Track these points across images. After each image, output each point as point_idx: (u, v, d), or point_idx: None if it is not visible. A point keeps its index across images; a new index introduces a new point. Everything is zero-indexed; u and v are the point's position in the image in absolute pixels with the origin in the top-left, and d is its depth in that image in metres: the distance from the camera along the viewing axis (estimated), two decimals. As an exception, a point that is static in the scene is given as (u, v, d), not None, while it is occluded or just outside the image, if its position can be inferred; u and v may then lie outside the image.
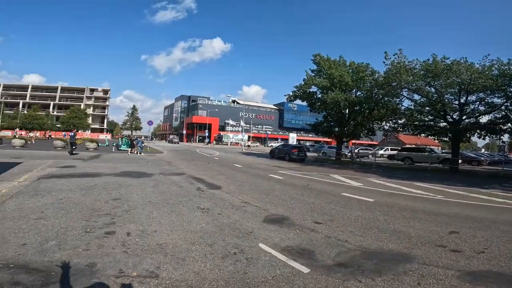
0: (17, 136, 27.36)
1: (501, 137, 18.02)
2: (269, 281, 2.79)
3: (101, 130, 74.00)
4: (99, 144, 23.55)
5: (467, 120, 17.94)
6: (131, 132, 61.55)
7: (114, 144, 26.97)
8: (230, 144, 58.34)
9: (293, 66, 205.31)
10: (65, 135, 35.95)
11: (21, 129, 50.34)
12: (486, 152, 46.88)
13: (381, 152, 33.47)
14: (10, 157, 12.45)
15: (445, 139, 19.26)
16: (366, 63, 22.18)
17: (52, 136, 38.31)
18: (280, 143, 38.18)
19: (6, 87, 70.48)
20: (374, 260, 3.48)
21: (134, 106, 75.07)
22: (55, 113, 69.12)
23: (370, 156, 30.54)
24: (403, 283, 2.89)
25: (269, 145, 56.22)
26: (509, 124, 16.74)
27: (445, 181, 12.78)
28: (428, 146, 28.70)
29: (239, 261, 3.17)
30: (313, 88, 23.58)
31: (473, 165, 25.71)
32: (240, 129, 57.77)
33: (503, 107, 16.46)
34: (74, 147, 16.60)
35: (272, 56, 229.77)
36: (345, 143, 36.68)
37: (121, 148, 22.97)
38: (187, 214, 4.95)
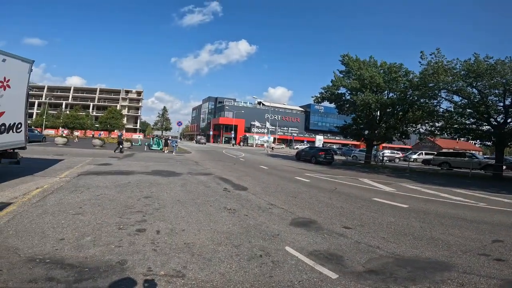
0: (63, 135, 29.78)
1: None
2: (295, 286, 2.71)
3: (134, 130, 78.11)
4: (133, 144, 24.83)
5: None
6: (162, 132, 64.16)
7: (146, 144, 28.32)
8: (256, 146, 58.55)
9: (319, 67, 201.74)
10: (100, 134, 38.50)
11: (63, 128, 54.69)
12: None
13: (414, 156, 31.63)
14: (53, 154, 13.54)
15: (488, 143, 17.67)
16: (399, 63, 21.07)
17: (94, 135, 41.15)
18: (306, 145, 37.56)
19: (50, 89, 77.09)
20: (408, 267, 3.28)
21: (164, 107, 78.44)
22: (94, 113, 74.27)
23: (397, 160, 28.96)
24: None
25: (295, 147, 55.53)
26: None
27: (488, 188, 11.85)
28: (468, 151, 26.51)
29: (265, 264, 3.11)
30: (342, 90, 22.90)
31: (514, 171, 23.41)
32: (265, 130, 57.83)
33: None
34: (121, 146, 18.52)
35: (297, 57, 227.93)
36: (375, 147, 35.16)
37: (152, 148, 24.02)
38: (214, 214, 5.00)
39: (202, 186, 7.90)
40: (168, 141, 23.29)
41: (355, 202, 7.11)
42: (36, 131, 25.97)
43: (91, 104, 77.47)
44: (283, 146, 61.90)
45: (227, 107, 71.16)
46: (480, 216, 6.25)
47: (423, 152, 33.80)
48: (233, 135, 59.30)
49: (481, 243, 4.34)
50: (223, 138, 67.73)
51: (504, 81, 14.78)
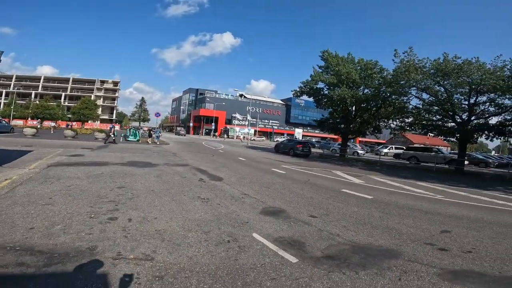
0: (39, 126, 28.07)
1: (510, 139, 17.64)
2: (257, 268, 2.97)
3: (110, 121, 75.10)
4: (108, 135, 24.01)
5: (475, 121, 17.68)
6: (139, 123, 62.35)
7: (122, 135, 27.49)
8: (237, 138, 58.62)
9: (302, 62, 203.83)
10: (68, 125, 36.87)
11: (32, 118, 51.59)
12: (496, 154, 45.96)
13: (385, 150, 33.20)
14: (21, 145, 12.92)
15: (453, 139, 18.98)
16: (375, 61, 21.95)
17: (68, 126, 39.21)
18: (286, 138, 38.14)
19: (19, 78, 72.05)
20: (361, 254, 3.58)
21: (142, 98, 76.30)
22: (66, 103, 70.44)
23: (361, 153, 30.26)
24: (384, 277, 2.98)
25: (275, 139, 56.22)
26: None
27: (449, 181, 12.71)
28: (435, 146, 28.27)
29: (231, 249, 3.35)
30: (320, 85, 23.51)
31: (480, 167, 25.36)
32: (246, 123, 57.93)
33: None
34: (113, 136, 19.68)
35: (281, 51, 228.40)
36: (352, 141, 36.36)
37: (129, 139, 23.42)
38: (187, 203, 5.16)
39: (177, 176, 7.98)
40: (152, 132, 24.53)
41: (324, 193, 7.53)
42: (3, 122, 24.58)
43: (63, 94, 73.29)
44: (264, 138, 62.45)
45: (208, 99, 70.26)
46: (435, 208, 6.70)
47: (393, 146, 35.57)
48: (213, 127, 58.88)
49: (430, 233, 4.69)
50: (204, 129, 67.04)
51: (469, 80, 15.83)
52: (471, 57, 16.35)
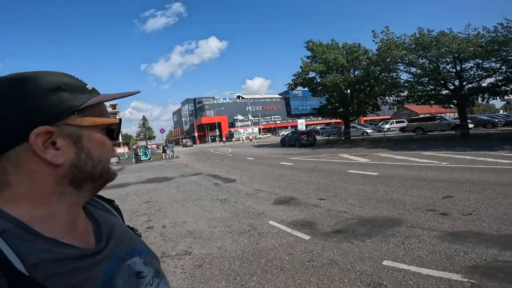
0: None
1: (505, 98, 17.97)
2: (276, 248, 3.54)
3: (118, 145, 76.85)
4: (120, 158, 25.00)
5: (468, 86, 18.03)
6: (146, 142, 63.66)
7: (133, 156, 28.51)
8: (246, 139, 59.31)
9: (293, 52, 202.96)
10: None
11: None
12: (503, 113, 45.28)
13: (387, 126, 32.86)
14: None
15: (452, 106, 19.24)
16: (357, 43, 22.46)
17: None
18: (290, 131, 38.55)
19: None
20: (367, 226, 4.01)
21: (144, 117, 77.63)
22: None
23: (370, 132, 30.06)
24: (389, 243, 3.38)
25: (280, 134, 56.67)
26: None
27: (455, 147, 12.68)
28: (439, 114, 28.23)
29: (252, 236, 3.94)
30: (312, 74, 23.96)
31: (487, 128, 25.22)
32: (249, 123, 58.55)
33: (503, 70, 16.48)
34: (139, 156, 23.74)
35: (270, 45, 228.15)
36: (356, 121, 36.46)
37: (141, 159, 24.32)
38: (208, 206, 5.79)
39: (194, 185, 8.64)
40: (165, 147, 27.23)
41: (331, 176, 8.04)
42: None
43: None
44: (269, 135, 63.00)
45: (207, 106, 71.21)
46: (439, 175, 6.76)
47: (394, 121, 35.49)
48: (218, 133, 59.74)
49: (433, 200, 4.86)
50: (209, 137, 68.03)
51: (449, 50, 16.26)
52: (445, 29, 16.86)
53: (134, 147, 23.71)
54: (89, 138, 0.47)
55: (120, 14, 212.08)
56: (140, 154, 25.41)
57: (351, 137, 25.67)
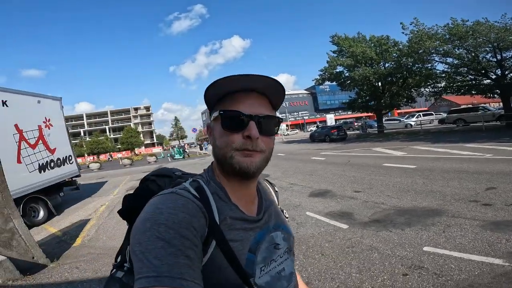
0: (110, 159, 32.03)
1: None
2: (315, 236, 3.73)
3: (152, 145, 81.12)
4: (157, 157, 26.54)
5: (511, 75, 16.67)
6: (179, 141, 66.47)
7: (169, 155, 30.08)
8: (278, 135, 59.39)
9: (317, 46, 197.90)
10: (108, 158, 40.98)
11: (88, 154, 58.01)
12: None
13: (411, 121, 29.91)
14: (96, 178, 15.22)
15: (495, 96, 17.86)
16: (386, 35, 21.60)
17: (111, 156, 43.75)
18: (320, 126, 37.93)
19: (65, 119, 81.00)
20: (406, 216, 4.05)
21: (175, 117, 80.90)
22: (111, 135, 77.82)
23: (413, 124, 28.06)
24: (429, 231, 3.42)
25: (308, 130, 55.91)
26: None
27: (500, 138, 11.87)
28: (481, 104, 26.02)
29: (291, 226, 4.13)
30: (339, 68, 23.45)
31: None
32: (277, 120, 58.38)
33: None
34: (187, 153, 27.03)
35: (293, 41, 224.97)
36: (389, 114, 34.83)
37: (176, 157, 25.60)
38: (246, 200, 6.09)
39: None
40: (202, 145, 31.97)
41: (366, 170, 7.96)
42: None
43: (107, 127, 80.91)
44: (297, 131, 62.37)
45: (235, 104, 72.24)
46: (482, 167, 6.48)
47: (421, 114, 33.24)
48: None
49: (475, 191, 4.75)
50: (236, 135, 69.03)
51: (487, 39, 15.20)
52: (480, 18, 15.83)
53: (182, 145, 28.05)
54: (215, 129, 0.61)
55: (145, 19, 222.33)
56: (174, 153, 26.78)
57: (385, 131, 24.70)
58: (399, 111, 44.97)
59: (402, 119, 29.98)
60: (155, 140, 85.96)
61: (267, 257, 0.61)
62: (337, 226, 3.98)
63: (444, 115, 28.23)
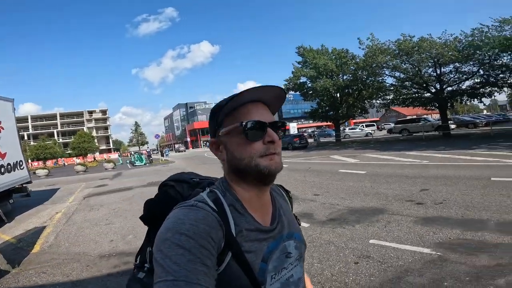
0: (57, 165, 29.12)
1: (482, 100, 19.18)
2: (281, 233, 4.14)
3: (108, 150, 75.89)
4: (115, 164, 25.13)
5: (449, 89, 19.22)
6: (139, 147, 63.35)
7: (128, 162, 28.63)
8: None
9: (285, 55, 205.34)
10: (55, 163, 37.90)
11: (32, 160, 52.24)
12: (488, 113, 47.48)
13: (348, 130, 32.95)
14: (45, 185, 14.00)
15: (433, 108, 20.46)
16: (345, 49, 23.46)
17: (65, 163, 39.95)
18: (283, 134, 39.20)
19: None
20: (356, 214, 4.71)
21: (136, 122, 77.21)
22: (60, 140, 71.13)
23: (372, 132, 30.90)
24: (374, 227, 4.06)
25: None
26: (489, 88, 17.95)
27: (437, 147, 13.34)
28: (423, 116, 29.52)
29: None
30: (302, 79, 24.84)
31: (469, 128, 26.53)
32: (242, 127, 58.95)
33: (481, 72, 17.65)
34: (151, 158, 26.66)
35: (262, 49, 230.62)
36: (346, 123, 37.59)
37: (136, 164, 24.50)
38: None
39: (197, 187, 9.13)
40: (163, 151, 31.33)
41: (324, 175, 8.72)
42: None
43: (55, 131, 73.54)
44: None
45: (199, 111, 71.45)
46: (419, 172, 7.49)
47: (364, 125, 37.43)
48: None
49: (411, 192, 5.57)
50: (202, 142, 68.18)
51: (429, 54, 17.39)
52: (425, 35, 18.02)
53: (148, 150, 29.23)
54: (230, 142, 0.62)
55: (111, 18, 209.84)
56: (134, 160, 25.61)
57: (345, 139, 26.72)
58: (354, 120, 48.72)
59: (363, 129, 32.83)
60: (111, 146, 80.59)
61: (278, 266, 0.63)
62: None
63: (393, 125, 31.47)
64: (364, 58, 19.75)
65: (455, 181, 6.12)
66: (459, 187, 5.60)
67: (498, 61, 16.49)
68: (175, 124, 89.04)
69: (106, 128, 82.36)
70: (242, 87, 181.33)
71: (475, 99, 18.95)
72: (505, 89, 18.70)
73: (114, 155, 61.41)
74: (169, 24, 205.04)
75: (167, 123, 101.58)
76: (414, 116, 35.98)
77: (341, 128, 28.37)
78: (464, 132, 23.29)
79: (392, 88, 21.23)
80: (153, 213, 0.68)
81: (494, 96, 18.88)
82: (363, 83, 21.90)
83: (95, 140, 70.92)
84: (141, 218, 0.71)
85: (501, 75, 17.20)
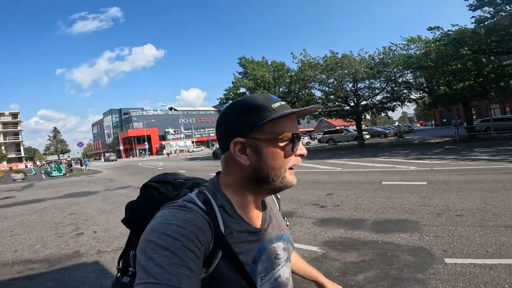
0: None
1: (387, 114, 22.98)
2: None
3: (19, 159, 64.62)
4: (26, 174, 21.76)
5: (363, 103, 22.54)
6: (58, 156, 55.62)
7: (43, 172, 25.08)
8: (175, 152, 57.53)
9: (230, 66, 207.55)
10: None
11: None
12: (399, 124, 55.44)
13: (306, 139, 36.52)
14: None
15: (352, 120, 23.65)
16: (282, 62, 25.44)
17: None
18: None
19: None
20: None
21: (55, 128, 67.55)
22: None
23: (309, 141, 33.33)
24: None
25: (216, 147, 57.19)
26: (394, 102, 21.66)
27: (352, 155, 14.79)
28: (344, 127, 33.12)
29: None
30: (242, 89, 25.86)
31: (381, 138, 30.95)
32: (182, 136, 57.42)
33: (388, 88, 21.19)
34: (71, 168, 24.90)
35: (209, 57, 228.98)
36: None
37: (53, 174, 21.68)
38: (139, 213, 6.27)
39: (123, 197, 8.76)
40: (83, 161, 28.06)
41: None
42: None
43: None
44: (203, 148, 62.69)
45: (135, 118, 66.81)
46: (331, 178, 8.12)
47: None
48: (147, 146, 56.59)
49: (319, 197, 6.00)
50: (137, 151, 63.62)
51: (349, 71, 20.17)
52: (348, 51, 20.93)
53: (69, 159, 28.18)
54: (266, 149, 0.58)
55: (43, 14, 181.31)
56: (51, 170, 22.63)
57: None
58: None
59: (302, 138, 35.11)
60: (22, 154, 68.63)
61: (268, 267, 0.62)
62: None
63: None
64: (296, 72, 21.75)
65: (355, 186, 6.80)
66: (356, 191, 6.22)
67: (402, 78, 19.99)
68: (105, 131, 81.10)
69: (16, 134, 69.93)
70: (186, 94, 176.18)
71: (382, 113, 22.58)
72: (407, 103, 22.10)
73: (28, 164, 52.57)
74: (110, 24, 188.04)
75: (95, 129, 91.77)
76: (342, 127, 40.37)
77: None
78: (376, 141, 25.98)
79: (320, 100, 23.59)
80: (136, 216, 0.67)
81: (397, 110, 22.70)
82: (296, 95, 23.94)
83: (2, 147, 59.65)
84: (123, 221, 0.69)
85: (404, 91, 20.88)
